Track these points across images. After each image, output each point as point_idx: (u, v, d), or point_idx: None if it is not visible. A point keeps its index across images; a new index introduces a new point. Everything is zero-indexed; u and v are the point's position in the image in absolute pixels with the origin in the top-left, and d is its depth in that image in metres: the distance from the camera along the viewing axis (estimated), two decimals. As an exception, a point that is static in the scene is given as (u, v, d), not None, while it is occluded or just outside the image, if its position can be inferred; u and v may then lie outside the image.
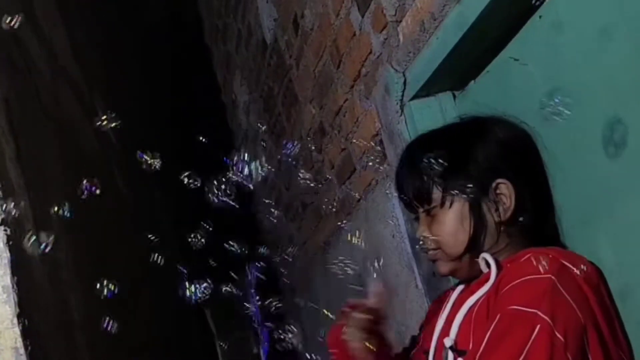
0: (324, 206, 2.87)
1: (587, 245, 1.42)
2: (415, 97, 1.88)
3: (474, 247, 1.40)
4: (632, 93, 1.26)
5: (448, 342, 1.36)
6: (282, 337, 1.60)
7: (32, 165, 1.55)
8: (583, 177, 1.42)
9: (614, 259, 1.36)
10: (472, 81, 1.77)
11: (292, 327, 1.57)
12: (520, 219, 1.38)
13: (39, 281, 1.41)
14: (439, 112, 1.86)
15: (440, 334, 1.45)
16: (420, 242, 1.47)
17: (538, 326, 1.20)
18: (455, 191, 1.42)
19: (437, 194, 1.43)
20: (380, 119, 2.08)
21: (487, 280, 1.38)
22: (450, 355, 1.35)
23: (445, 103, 1.86)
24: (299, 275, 3.51)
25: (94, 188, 1.56)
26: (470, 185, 1.41)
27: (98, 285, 1.55)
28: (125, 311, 2.10)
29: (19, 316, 1.30)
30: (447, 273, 1.45)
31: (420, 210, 1.47)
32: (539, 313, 1.21)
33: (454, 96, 1.86)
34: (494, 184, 1.39)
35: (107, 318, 1.91)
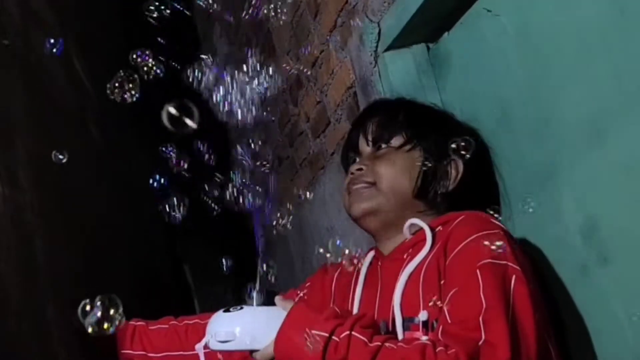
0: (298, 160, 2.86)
1: (551, 198, 1.42)
2: (389, 48, 1.86)
3: (417, 193, 1.48)
4: (602, 44, 1.25)
5: (397, 312, 1.37)
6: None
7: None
8: (544, 130, 1.42)
9: (577, 211, 1.37)
10: (446, 33, 1.76)
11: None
12: (454, 195, 1.49)
13: (1, 219, 1.40)
14: (412, 63, 1.84)
15: (360, 307, 1.49)
16: (356, 171, 1.49)
17: (514, 276, 1.28)
18: (421, 140, 1.47)
19: (401, 135, 1.47)
20: (355, 70, 2.06)
21: (413, 245, 1.44)
22: (400, 322, 1.36)
23: (418, 55, 1.84)
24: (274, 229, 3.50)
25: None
26: (438, 144, 1.50)
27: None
28: (92, 257, 2.09)
29: (-22, 254, 1.29)
30: (366, 210, 1.49)
31: (367, 149, 1.52)
32: (509, 264, 1.29)
33: (428, 48, 1.84)
34: (450, 157, 1.50)
35: (75, 264, 1.90)
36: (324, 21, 2.25)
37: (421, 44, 1.84)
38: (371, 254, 1.57)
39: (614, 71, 1.22)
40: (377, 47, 1.90)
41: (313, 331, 1.29)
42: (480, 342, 1.20)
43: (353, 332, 1.27)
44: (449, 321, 1.26)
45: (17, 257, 1.45)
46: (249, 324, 1.39)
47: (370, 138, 1.53)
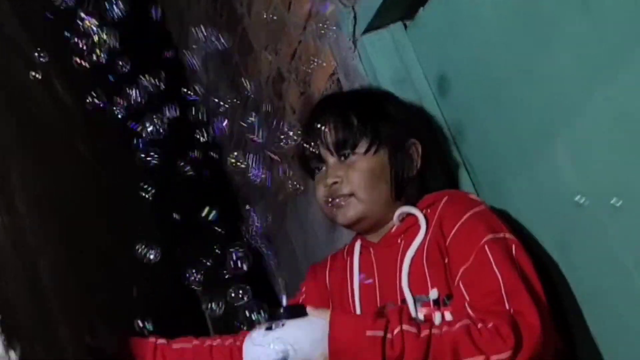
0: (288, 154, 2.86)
1: (547, 159, 1.43)
2: (366, 30, 1.86)
3: (395, 193, 1.53)
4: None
5: (407, 292, 1.42)
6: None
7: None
8: (532, 92, 1.43)
9: (574, 170, 1.37)
10: (421, 8, 1.76)
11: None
12: (422, 175, 1.56)
13: (3, 247, 1.39)
14: (391, 43, 1.84)
15: (361, 297, 1.53)
16: (332, 186, 1.51)
17: (513, 245, 1.37)
18: (383, 138, 1.55)
19: (364, 141, 1.53)
20: (335, 57, 2.07)
21: (405, 230, 1.49)
22: (411, 301, 1.41)
23: (397, 34, 1.85)
24: (273, 223, 3.51)
25: None
26: (396, 135, 1.56)
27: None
28: (98, 271, 2.09)
29: (-15, 284, 1.28)
30: (355, 218, 1.53)
31: (332, 158, 1.53)
32: (506, 235, 1.38)
33: (405, 26, 1.84)
34: (409, 142, 1.56)
35: (82, 281, 1.90)
36: (298, 12, 2.25)
37: (398, 22, 1.84)
38: (358, 243, 1.60)
39: (595, 25, 1.23)
40: (354, 31, 1.91)
41: (368, 332, 1.30)
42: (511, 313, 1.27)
43: (403, 326, 1.30)
44: (470, 297, 1.33)
45: (25, 284, 1.45)
46: (299, 339, 1.34)
47: (332, 149, 1.54)
